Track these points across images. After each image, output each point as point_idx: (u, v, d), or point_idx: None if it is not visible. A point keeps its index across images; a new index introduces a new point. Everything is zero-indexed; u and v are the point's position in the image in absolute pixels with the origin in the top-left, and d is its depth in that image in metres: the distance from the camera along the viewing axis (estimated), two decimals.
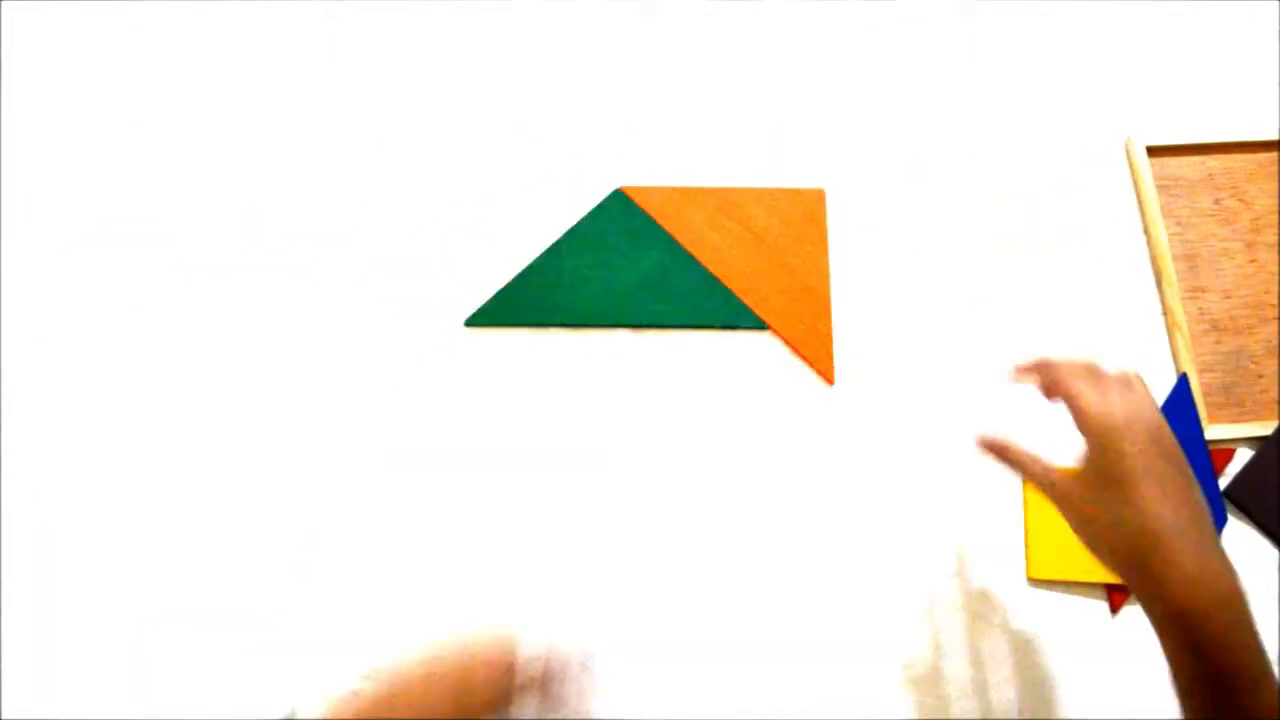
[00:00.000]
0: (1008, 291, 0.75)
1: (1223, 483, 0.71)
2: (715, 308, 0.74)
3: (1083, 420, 0.50)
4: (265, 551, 0.68)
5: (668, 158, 0.79)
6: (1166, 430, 0.50)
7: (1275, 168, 0.78)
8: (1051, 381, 0.53)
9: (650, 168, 0.79)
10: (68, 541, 0.68)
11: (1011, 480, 0.70)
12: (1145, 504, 0.47)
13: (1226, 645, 0.45)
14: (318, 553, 0.68)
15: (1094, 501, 0.49)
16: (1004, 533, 0.69)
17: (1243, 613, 0.46)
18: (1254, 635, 0.45)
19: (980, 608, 0.67)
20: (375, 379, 0.73)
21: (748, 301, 0.74)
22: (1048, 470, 0.54)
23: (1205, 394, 0.72)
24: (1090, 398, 0.50)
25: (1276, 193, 0.77)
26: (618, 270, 0.74)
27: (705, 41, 0.83)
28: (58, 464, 0.70)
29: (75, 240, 0.77)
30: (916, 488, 0.70)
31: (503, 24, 0.84)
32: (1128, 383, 0.52)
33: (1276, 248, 0.76)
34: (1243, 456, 0.72)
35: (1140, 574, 0.47)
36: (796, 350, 0.73)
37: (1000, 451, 0.57)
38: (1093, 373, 0.52)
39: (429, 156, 0.80)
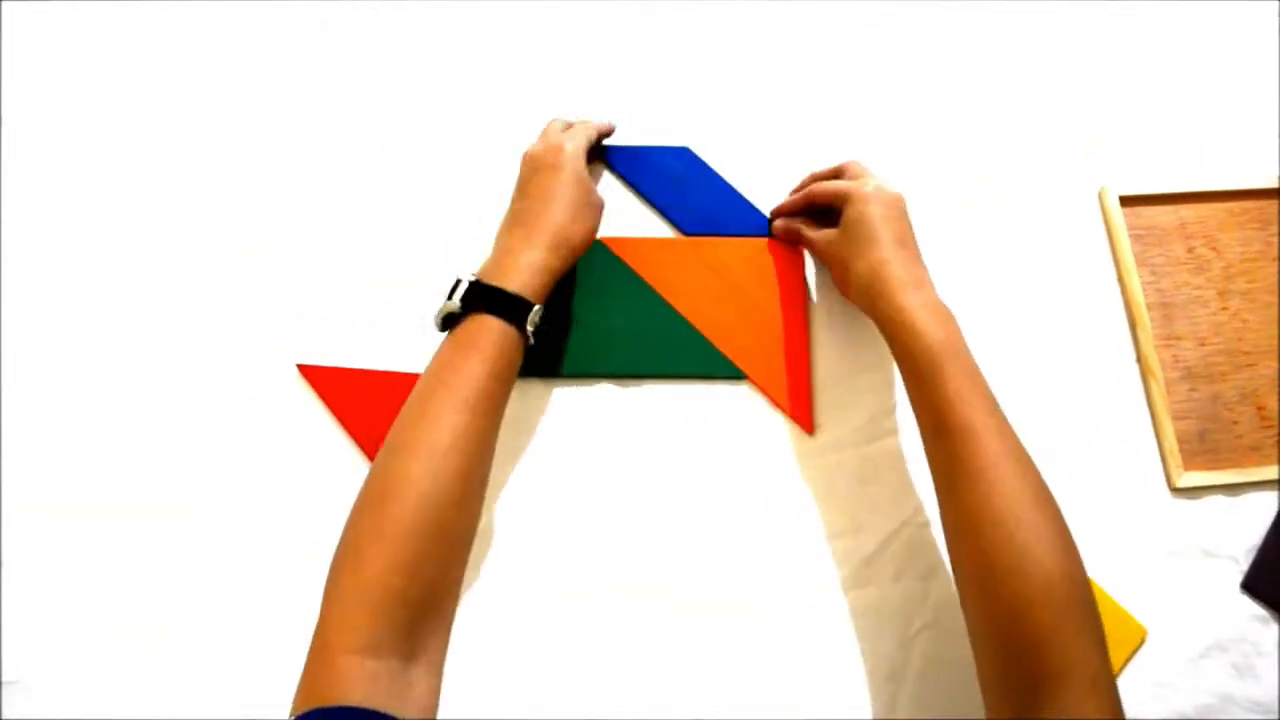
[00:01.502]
0: (983, 342, 0.75)
1: (1238, 577, 0.70)
2: (693, 358, 0.74)
3: (844, 193, 0.69)
4: (268, 551, 0.69)
5: (647, 208, 0.80)
6: (902, 201, 0.69)
7: (1246, 216, 0.78)
8: (817, 196, 0.73)
9: (630, 217, 0.79)
10: (68, 541, 0.69)
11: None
12: (883, 249, 0.65)
13: (933, 337, 0.61)
14: (319, 553, 0.68)
15: (849, 252, 0.67)
16: None
17: (945, 313, 0.63)
18: (953, 330, 0.62)
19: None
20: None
21: (726, 351, 0.74)
22: (823, 234, 0.71)
23: (1180, 441, 0.72)
24: (844, 182, 0.70)
25: (1248, 241, 0.78)
26: (597, 321, 0.75)
27: (687, 79, 0.85)
28: (58, 464, 0.71)
29: (75, 240, 0.78)
30: (893, 537, 0.70)
31: (502, 23, 0.86)
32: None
33: (1250, 295, 0.77)
34: (1215, 503, 0.72)
35: (873, 296, 0.64)
36: (775, 400, 0.74)
37: (790, 234, 0.76)
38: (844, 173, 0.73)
39: (429, 156, 0.81)
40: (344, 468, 0.71)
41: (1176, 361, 0.75)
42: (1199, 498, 0.72)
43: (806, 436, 0.73)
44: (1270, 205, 0.79)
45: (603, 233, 0.77)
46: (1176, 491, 0.72)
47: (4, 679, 0.65)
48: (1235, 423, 0.73)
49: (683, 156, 0.81)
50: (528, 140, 0.77)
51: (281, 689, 0.63)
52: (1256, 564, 0.70)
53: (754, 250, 0.78)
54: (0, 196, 0.79)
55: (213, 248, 0.78)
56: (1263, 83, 0.85)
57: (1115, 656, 0.66)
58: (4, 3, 0.86)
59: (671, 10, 0.87)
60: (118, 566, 0.68)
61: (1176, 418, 0.73)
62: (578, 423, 0.73)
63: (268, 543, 0.69)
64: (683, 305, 0.76)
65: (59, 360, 0.74)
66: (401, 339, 0.74)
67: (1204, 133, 0.83)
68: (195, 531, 0.69)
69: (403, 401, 0.71)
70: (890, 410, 0.74)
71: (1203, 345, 0.75)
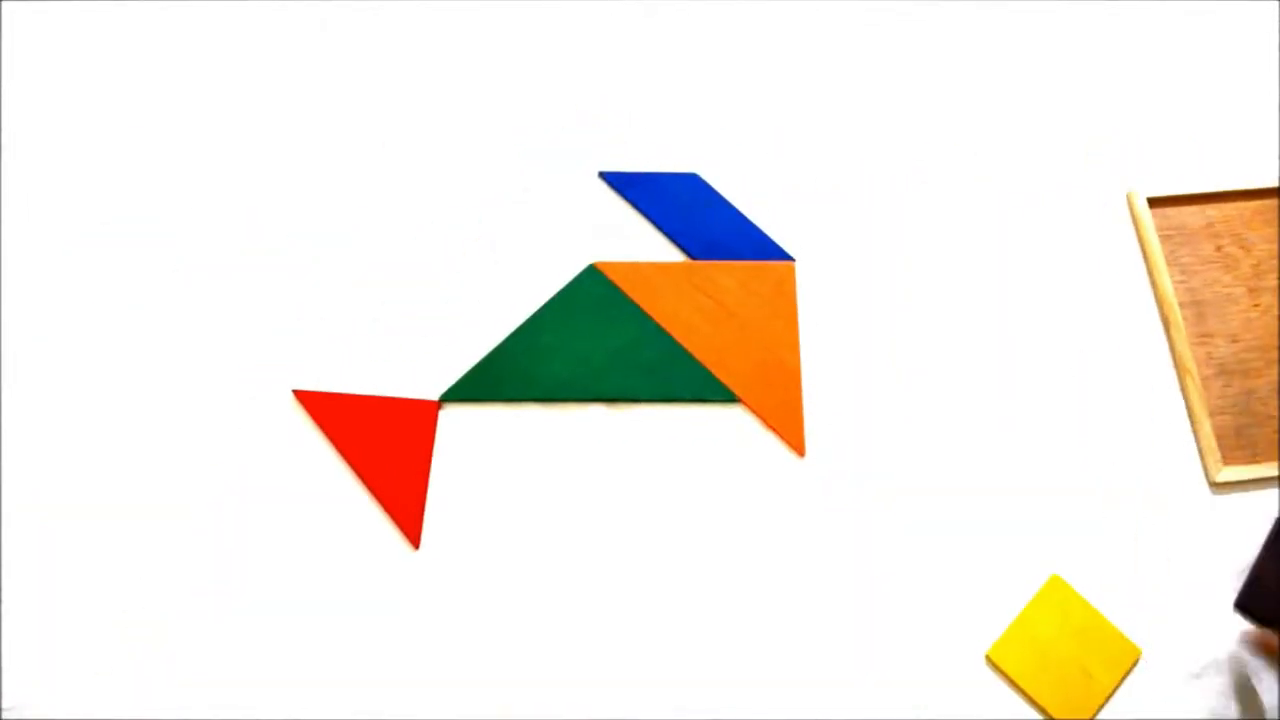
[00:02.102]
0: (1018, 345, 0.77)
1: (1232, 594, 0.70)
2: (686, 381, 0.74)
3: None
4: (268, 552, 0.68)
5: (641, 233, 0.80)
6: None
7: (1273, 214, 0.80)
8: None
9: (639, 243, 0.79)
10: (68, 541, 0.68)
11: (975, 554, 0.70)
12: None
13: None
14: (321, 552, 0.68)
15: None
16: (967, 608, 0.69)
17: None
18: None
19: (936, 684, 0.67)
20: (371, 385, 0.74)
21: (718, 375, 0.74)
22: None
23: (1218, 436, 0.73)
24: None
25: (1275, 238, 0.80)
26: (591, 345, 0.75)
27: (696, 105, 0.85)
28: (58, 464, 0.70)
29: (75, 240, 0.76)
30: (885, 558, 0.70)
31: (504, 25, 0.85)
32: None
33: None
34: (1254, 498, 0.72)
35: None
36: (767, 422, 0.73)
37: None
38: None
39: (429, 157, 0.81)
40: (343, 468, 0.71)
41: (1210, 359, 0.76)
42: (1238, 492, 0.72)
43: (798, 458, 0.73)
44: None
45: (602, 258, 0.78)
46: (1216, 486, 0.72)
47: (4, 706, 0.64)
48: (1271, 416, 0.74)
49: (691, 183, 0.81)
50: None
51: (281, 689, 0.64)
52: (1250, 583, 0.67)
53: (745, 274, 0.78)
54: (0, 197, 0.77)
55: (213, 248, 0.76)
56: None
57: (1111, 676, 0.67)
58: (4, 3, 0.83)
59: (676, 29, 0.86)
60: (118, 566, 0.67)
61: (1213, 413, 0.74)
62: (572, 446, 0.73)
63: (267, 544, 0.68)
64: (676, 329, 0.76)
65: (59, 360, 0.72)
66: (402, 339, 0.74)
67: (1227, 132, 0.84)
68: (195, 532, 0.68)
69: (393, 426, 0.71)
70: (879, 431, 0.74)
71: (1235, 341, 0.76)
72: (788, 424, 0.73)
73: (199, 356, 0.73)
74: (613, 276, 0.77)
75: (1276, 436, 0.74)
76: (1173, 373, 0.76)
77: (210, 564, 0.67)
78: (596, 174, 0.81)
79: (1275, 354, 0.76)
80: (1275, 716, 0.66)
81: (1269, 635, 0.66)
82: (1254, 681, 0.67)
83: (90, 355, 0.73)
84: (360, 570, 0.68)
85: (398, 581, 0.68)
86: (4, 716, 0.63)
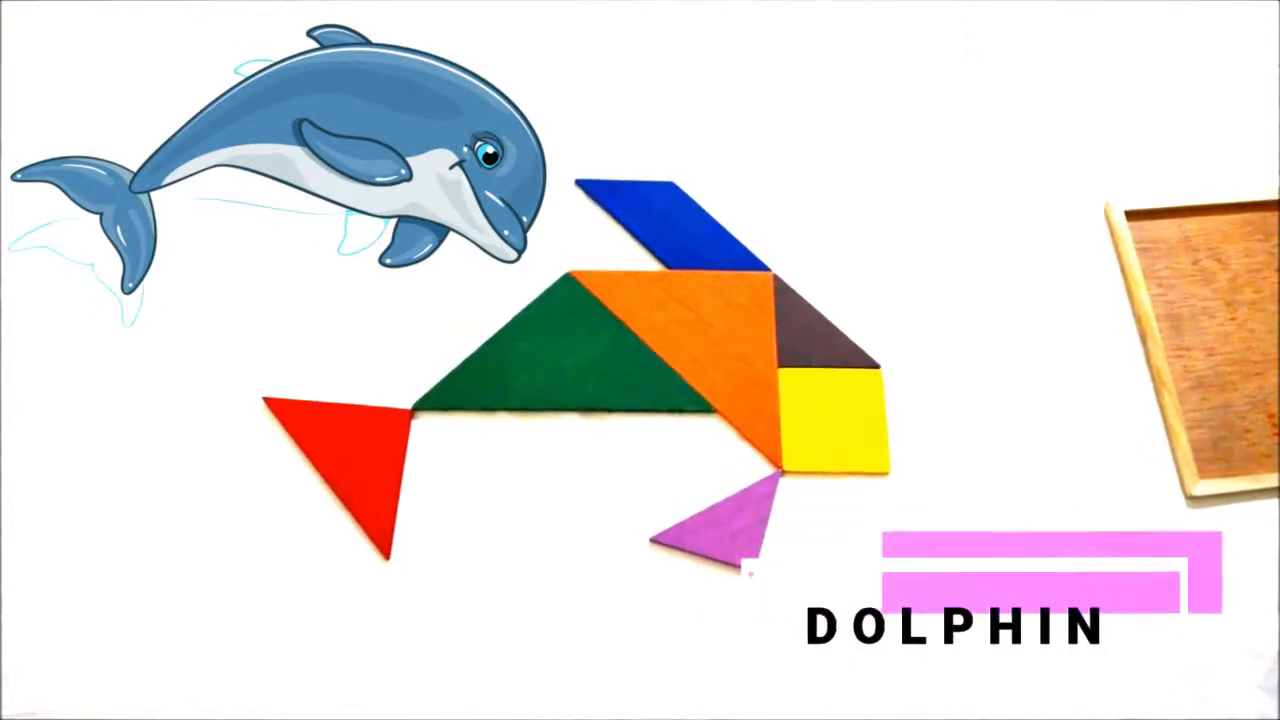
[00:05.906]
0: (991, 360, 0.76)
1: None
2: (662, 391, 0.74)
3: None
4: (235, 559, 0.68)
5: (618, 241, 0.80)
6: None
7: (1249, 227, 0.80)
8: None
9: (615, 252, 0.79)
10: (68, 541, 0.68)
11: None
12: None
13: None
14: (321, 551, 0.68)
15: None
16: None
17: None
18: None
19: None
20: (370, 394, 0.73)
21: (694, 385, 0.74)
22: None
23: (1195, 450, 0.73)
24: None
25: (1252, 252, 0.80)
26: (566, 354, 0.75)
27: (657, 108, 0.84)
28: (58, 464, 0.70)
29: (74, 239, 0.76)
30: (860, 568, 0.70)
31: (499, 40, 0.85)
32: None
33: (1257, 305, 0.78)
34: (1229, 511, 0.72)
35: None
36: (743, 433, 0.73)
37: None
38: None
39: None
40: (314, 476, 0.71)
41: (1187, 372, 0.76)
42: (1214, 505, 0.72)
43: (774, 469, 0.73)
44: (1273, 216, 0.81)
45: (578, 266, 0.77)
46: (1192, 500, 0.72)
47: (4, 676, 0.64)
48: (1247, 430, 0.74)
49: (668, 191, 0.80)
50: None
51: (247, 700, 0.64)
52: None
53: (722, 284, 0.78)
54: (0, 195, 0.77)
55: (212, 247, 0.76)
56: (1262, 96, 0.87)
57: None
58: (4, 3, 0.83)
59: (654, 37, 0.86)
60: (118, 566, 0.67)
61: (1190, 427, 0.74)
62: (546, 456, 0.72)
63: (236, 551, 0.68)
64: (652, 339, 0.76)
65: (59, 359, 0.72)
66: (374, 346, 0.74)
67: (1204, 146, 0.84)
68: (161, 540, 0.68)
69: (365, 435, 0.71)
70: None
71: (1212, 355, 0.76)
72: (764, 434, 0.73)
73: (167, 362, 0.72)
74: (589, 285, 0.77)
75: (1252, 450, 0.74)
76: (1149, 386, 0.76)
77: (177, 572, 0.67)
78: (573, 182, 0.80)
79: (1251, 367, 0.76)
80: None
81: None
82: None
83: (90, 356, 0.73)
84: (330, 580, 0.67)
85: (368, 592, 0.67)
86: (4, 716, 0.62)
